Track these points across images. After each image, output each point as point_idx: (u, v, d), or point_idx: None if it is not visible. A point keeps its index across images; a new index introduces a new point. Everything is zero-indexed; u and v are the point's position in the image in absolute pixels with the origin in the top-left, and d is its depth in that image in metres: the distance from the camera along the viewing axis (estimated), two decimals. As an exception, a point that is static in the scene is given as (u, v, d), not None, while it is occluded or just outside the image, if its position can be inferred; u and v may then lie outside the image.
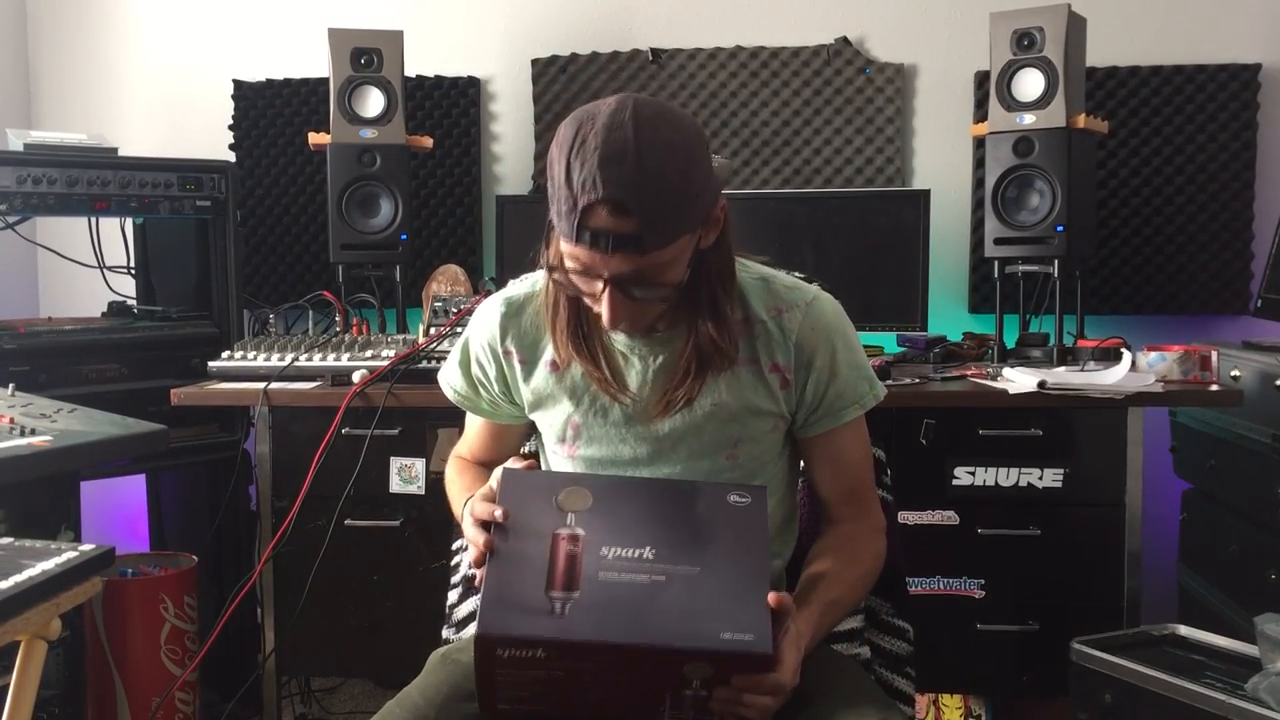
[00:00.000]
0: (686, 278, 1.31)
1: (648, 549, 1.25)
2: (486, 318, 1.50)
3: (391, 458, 2.40)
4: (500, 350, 1.47)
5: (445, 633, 1.67)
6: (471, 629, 1.61)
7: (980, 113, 2.91)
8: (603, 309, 1.28)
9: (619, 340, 1.42)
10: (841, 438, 1.45)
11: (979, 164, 2.89)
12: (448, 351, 2.37)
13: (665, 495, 1.32)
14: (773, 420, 1.43)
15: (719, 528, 1.28)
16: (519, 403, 1.51)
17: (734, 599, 1.22)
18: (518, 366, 1.47)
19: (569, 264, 1.28)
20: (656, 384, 1.40)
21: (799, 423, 1.45)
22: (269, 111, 3.22)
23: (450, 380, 1.57)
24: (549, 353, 1.45)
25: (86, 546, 1.50)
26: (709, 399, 1.40)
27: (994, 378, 2.40)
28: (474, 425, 1.61)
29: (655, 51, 3.10)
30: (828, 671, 1.34)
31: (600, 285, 1.27)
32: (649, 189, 1.20)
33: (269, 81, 3.23)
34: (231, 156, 3.19)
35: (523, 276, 1.52)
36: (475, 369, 1.52)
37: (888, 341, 2.78)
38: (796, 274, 1.52)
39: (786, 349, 1.40)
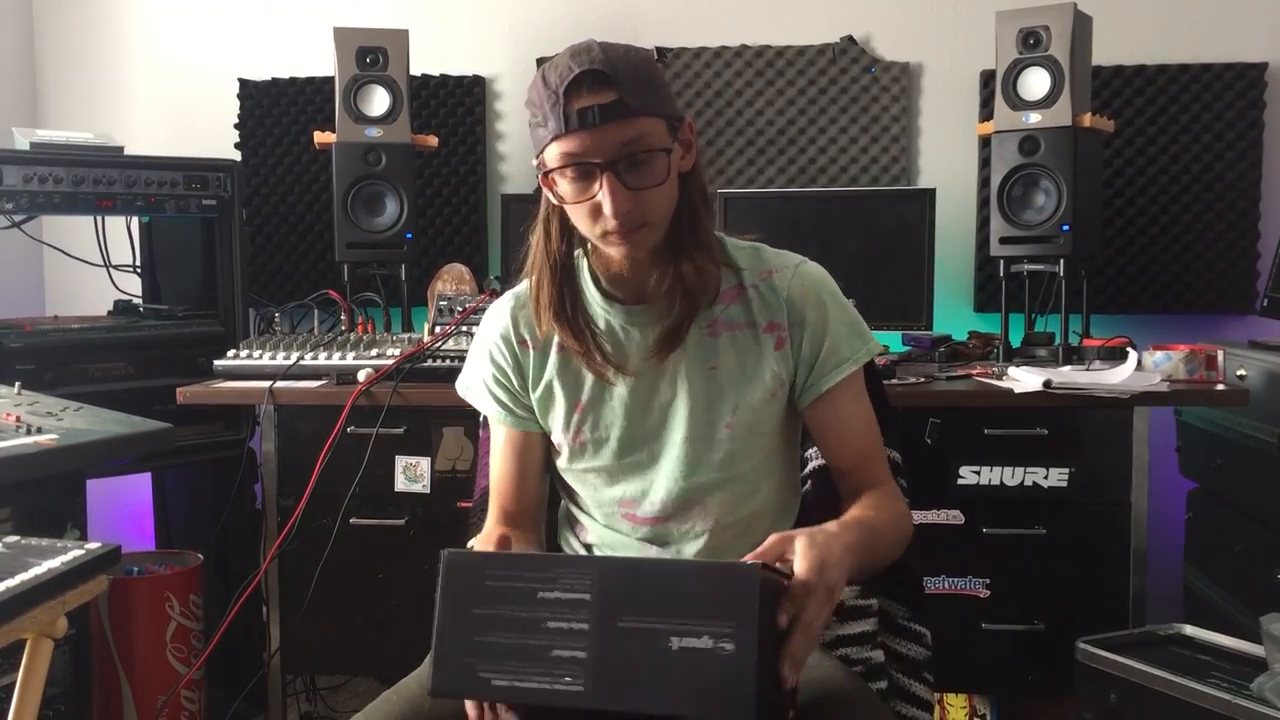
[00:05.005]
0: (673, 187, 1.34)
1: None
2: (498, 314, 1.52)
3: (396, 456, 2.40)
4: (515, 340, 1.49)
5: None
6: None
7: (986, 111, 2.91)
8: (604, 202, 1.29)
9: (615, 316, 1.43)
10: (841, 399, 1.43)
11: (984, 163, 2.88)
12: (452, 351, 2.39)
13: None
14: (771, 387, 1.43)
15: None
16: (532, 399, 1.49)
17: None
18: (532, 354, 1.48)
19: (564, 175, 1.31)
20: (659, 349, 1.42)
21: (798, 388, 1.44)
22: (274, 110, 3.22)
23: (481, 401, 1.53)
24: (558, 336, 1.46)
25: (92, 545, 1.50)
26: (707, 362, 1.41)
27: (999, 377, 2.40)
28: (497, 465, 1.53)
29: (661, 50, 3.10)
30: (840, 701, 1.31)
31: (596, 181, 1.29)
32: (619, 60, 1.29)
33: (274, 80, 3.23)
34: (237, 155, 3.19)
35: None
36: (493, 369, 1.51)
37: (893, 340, 2.77)
38: None
39: (779, 307, 1.43)
